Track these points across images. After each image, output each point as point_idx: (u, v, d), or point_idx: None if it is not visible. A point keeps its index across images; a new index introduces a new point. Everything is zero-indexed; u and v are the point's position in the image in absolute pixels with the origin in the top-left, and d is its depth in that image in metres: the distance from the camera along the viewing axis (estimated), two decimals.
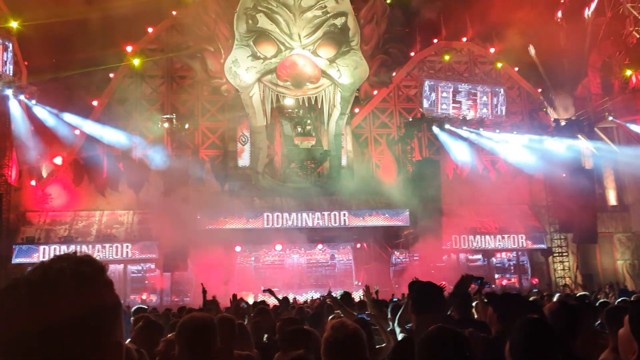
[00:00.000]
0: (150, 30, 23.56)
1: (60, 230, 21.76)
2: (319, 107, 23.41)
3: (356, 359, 2.66)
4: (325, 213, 21.91)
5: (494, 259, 24.06)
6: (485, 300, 6.56)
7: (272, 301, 11.32)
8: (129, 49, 22.80)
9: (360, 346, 2.68)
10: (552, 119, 24.14)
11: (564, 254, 23.28)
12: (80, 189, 22.65)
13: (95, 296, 1.04)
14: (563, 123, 23.43)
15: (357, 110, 24.69)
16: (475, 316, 5.90)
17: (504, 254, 24.08)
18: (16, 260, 20.28)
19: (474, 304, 6.11)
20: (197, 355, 2.70)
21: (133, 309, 6.93)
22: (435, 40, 25.66)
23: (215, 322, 2.89)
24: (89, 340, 1.02)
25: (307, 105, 23.26)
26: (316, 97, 23.19)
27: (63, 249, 20.83)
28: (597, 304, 6.86)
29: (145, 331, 4.28)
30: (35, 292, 1.01)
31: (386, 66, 23.97)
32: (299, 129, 23.39)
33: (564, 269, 23.17)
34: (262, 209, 22.01)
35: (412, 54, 25.40)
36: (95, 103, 22.84)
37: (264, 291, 10.55)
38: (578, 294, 9.89)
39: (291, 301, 12.10)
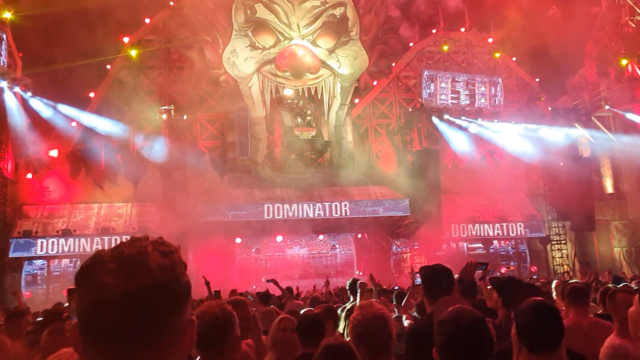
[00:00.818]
0: (147, 21, 23.29)
1: (58, 224, 21.49)
2: (319, 97, 23.36)
3: (384, 338, 2.71)
4: (326, 204, 21.89)
5: (493, 248, 24.21)
6: (489, 286, 6.62)
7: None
8: (126, 39, 22.51)
9: (388, 327, 2.73)
10: (549, 108, 24.30)
11: (562, 241, 23.50)
12: (77, 182, 22.38)
13: (175, 271, 1.10)
14: (560, 112, 23.59)
15: (357, 100, 24.67)
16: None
17: (503, 242, 24.25)
18: (13, 254, 20.05)
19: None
20: (214, 345, 2.61)
21: None
22: (434, 31, 25.67)
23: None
24: (169, 313, 1.08)
25: (306, 95, 23.19)
26: (316, 87, 23.12)
27: (61, 243, 20.63)
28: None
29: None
30: (124, 263, 1.06)
31: (385, 56, 23.97)
32: (299, 120, 23.32)
33: (562, 257, 23.41)
34: (262, 200, 21.92)
35: (411, 44, 25.40)
36: (92, 95, 22.54)
37: (267, 281, 10.53)
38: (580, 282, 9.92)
39: (295, 291, 12.13)
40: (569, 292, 4.56)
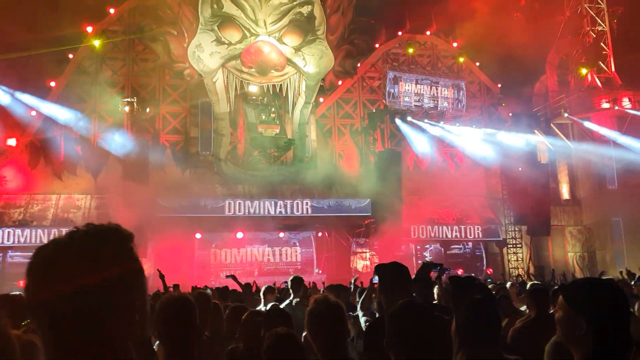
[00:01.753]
0: (112, 11, 22.98)
1: (14, 214, 21.17)
2: (284, 95, 23.39)
3: (338, 329, 2.82)
4: (288, 201, 21.98)
5: (450, 250, 24.62)
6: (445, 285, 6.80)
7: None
8: (89, 29, 22.18)
9: (342, 318, 2.86)
10: (510, 114, 24.76)
11: (518, 245, 24.01)
12: (36, 172, 22.04)
13: (114, 259, 1.19)
14: (521, 118, 24.06)
15: (321, 99, 24.77)
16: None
17: (460, 244, 24.67)
18: None
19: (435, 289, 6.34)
20: (178, 334, 2.75)
21: None
22: (399, 33, 25.89)
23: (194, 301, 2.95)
24: (106, 300, 1.16)
25: (271, 93, 23.21)
26: (281, 85, 23.13)
27: (17, 233, 20.32)
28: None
29: None
30: (59, 250, 1.19)
31: (351, 57, 24.11)
32: (263, 117, 23.33)
33: (517, 260, 23.91)
34: (224, 196, 21.90)
35: (377, 45, 25.58)
36: (53, 84, 22.18)
37: (227, 277, 10.63)
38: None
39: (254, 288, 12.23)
40: (531, 292, 4.71)
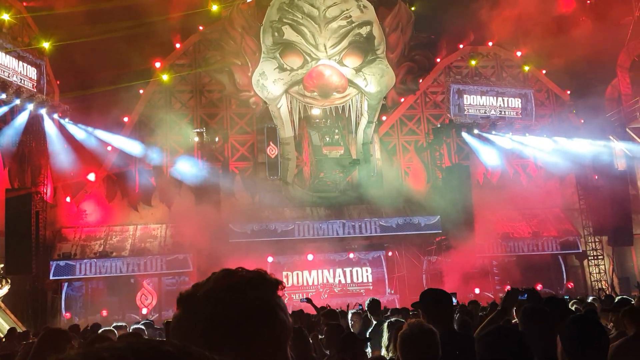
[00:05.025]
0: (178, 45, 23.89)
1: (95, 246, 22.06)
2: (347, 116, 23.51)
3: (430, 353, 2.83)
4: (356, 222, 21.95)
5: (527, 264, 23.74)
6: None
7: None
8: (157, 64, 23.13)
9: (435, 342, 2.85)
10: (582, 121, 23.88)
11: (599, 257, 22.93)
12: (113, 204, 22.96)
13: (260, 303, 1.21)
14: (594, 124, 23.17)
15: (384, 118, 24.72)
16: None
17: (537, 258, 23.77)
18: (54, 277, 20.64)
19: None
20: None
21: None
22: (461, 46, 25.59)
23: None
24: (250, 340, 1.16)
25: (334, 114, 23.38)
26: (343, 106, 23.29)
27: (99, 264, 21.15)
28: None
29: None
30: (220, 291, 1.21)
31: (412, 73, 24.00)
32: (327, 139, 23.46)
33: (599, 272, 22.84)
34: (293, 219, 22.13)
35: (438, 60, 25.36)
36: (126, 119, 23.17)
37: (302, 301, 10.65)
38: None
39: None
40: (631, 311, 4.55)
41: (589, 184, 22.49)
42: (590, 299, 8.92)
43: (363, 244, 22.71)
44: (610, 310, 6.27)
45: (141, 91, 23.37)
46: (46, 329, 11.28)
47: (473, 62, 25.10)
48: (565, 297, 16.75)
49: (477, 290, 21.20)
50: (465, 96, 23.48)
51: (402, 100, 24.69)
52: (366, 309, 7.89)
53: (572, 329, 2.54)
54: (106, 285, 21.84)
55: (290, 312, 9.70)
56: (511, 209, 23.02)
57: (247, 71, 22.71)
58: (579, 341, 2.48)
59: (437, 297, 3.79)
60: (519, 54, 25.62)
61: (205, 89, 24.32)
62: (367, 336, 6.39)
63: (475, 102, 23.58)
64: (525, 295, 5.96)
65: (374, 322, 7.00)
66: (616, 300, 7.40)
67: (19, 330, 12.43)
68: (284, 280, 20.66)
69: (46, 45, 20.59)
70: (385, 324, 5.47)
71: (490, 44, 25.70)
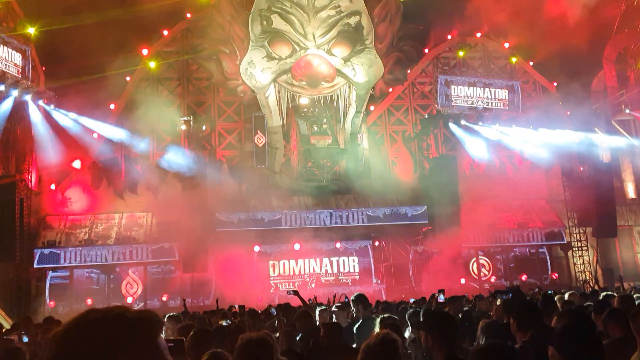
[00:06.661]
0: (165, 33, 23.69)
1: (80, 234, 21.88)
2: (335, 105, 23.49)
3: None
4: (343, 212, 21.98)
5: (512, 254, 23.96)
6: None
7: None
8: (144, 52, 22.92)
9: (397, 354, 2.83)
10: (568, 113, 24.05)
11: (584, 248, 23.16)
12: (99, 192, 22.77)
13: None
14: (579, 116, 23.34)
15: (372, 108, 24.72)
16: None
17: (522, 249, 23.98)
18: (38, 265, 20.45)
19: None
20: None
21: (166, 317, 6.68)
22: (449, 36, 25.63)
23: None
24: None
25: (322, 104, 23.33)
26: (332, 95, 23.26)
27: (84, 253, 20.99)
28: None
29: (198, 338, 4.36)
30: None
31: (401, 63, 24.02)
32: (315, 128, 23.45)
33: (583, 263, 23.07)
34: (280, 208, 22.11)
35: (426, 50, 25.39)
36: (112, 106, 22.96)
37: (289, 293, 10.54)
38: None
39: (314, 301, 12.17)
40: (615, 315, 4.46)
41: (574, 175, 22.67)
42: (567, 295, 8.48)
43: (350, 233, 22.72)
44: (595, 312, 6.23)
45: (128, 78, 23.17)
46: (26, 318, 11.10)
47: (461, 53, 25.17)
48: (549, 291, 16.91)
49: (462, 281, 21.35)
50: (452, 87, 23.57)
51: (390, 90, 24.71)
52: (352, 303, 7.77)
53: (566, 335, 2.57)
54: (91, 273, 21.69)
55: (276, 304, 9.70)
56: (497, 200, 23.15)
57: (235, 59, 22.59)
58: (574, 346, 2.52)
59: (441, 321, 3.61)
60: (506, 45, 25.73)
61: (193, 77, 24.17)
62: (354, 331, 6.37)
63: (463, 93, 23.67)
64: (510, 294, 5.92)
65: (362, 317, 6.85)
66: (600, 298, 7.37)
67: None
68: (271, 270, 20.78)
69: (32, 30, 20.33)
70: (378, 320, 5.47)
71: (478, 35, 25.77)
